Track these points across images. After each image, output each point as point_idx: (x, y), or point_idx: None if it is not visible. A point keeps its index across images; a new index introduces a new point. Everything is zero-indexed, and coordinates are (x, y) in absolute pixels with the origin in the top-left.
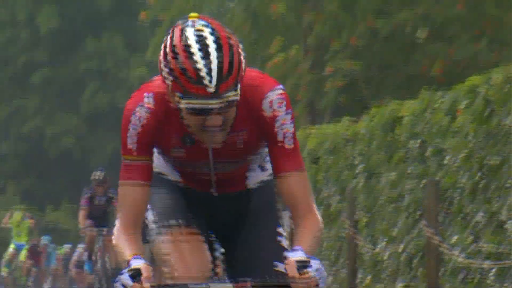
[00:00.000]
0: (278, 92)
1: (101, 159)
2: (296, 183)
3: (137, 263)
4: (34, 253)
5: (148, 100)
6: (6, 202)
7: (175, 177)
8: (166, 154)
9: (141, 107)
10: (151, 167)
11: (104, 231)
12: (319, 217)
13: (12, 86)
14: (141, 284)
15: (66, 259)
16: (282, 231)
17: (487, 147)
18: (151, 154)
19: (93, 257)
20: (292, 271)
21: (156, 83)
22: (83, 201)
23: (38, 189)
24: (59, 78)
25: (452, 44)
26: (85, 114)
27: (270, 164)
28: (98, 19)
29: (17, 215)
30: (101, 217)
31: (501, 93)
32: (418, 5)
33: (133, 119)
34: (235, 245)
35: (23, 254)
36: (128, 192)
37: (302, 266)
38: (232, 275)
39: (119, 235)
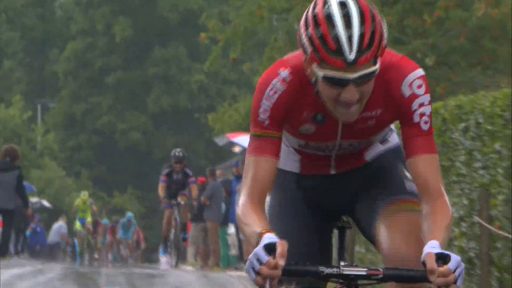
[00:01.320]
0: (419, 73)
1: (163, 153)
2: (429, 166)
3: (273, 239)
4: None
5: (283, 74)
6: (80, 186)
7: (293, 168)
8: (295, 131)
9: (276, 81)
10: (280, 145)
11: (181, 202)
12: (449, 204)
13: (89, 86)
14: (276, 260)
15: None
16: (408, 175)
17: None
18: (281, 131)
19: (168, 242)
20: (431, 263)
21: (292, 58)
22: (162, 177)
23: (107, 176)
24: (130, 80)
25: (454, 70)
26: (151, 113)
27: (394, 136)
28: (165, 31)
29: (83, 197)
30: (178, 191)
31: (453, 115)
32: (428, 37)
33: (267, 93)
34: (363, 207)
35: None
36: (257, 168)
37: (442, 260)
38: (367, 233)
39: (246, 209)
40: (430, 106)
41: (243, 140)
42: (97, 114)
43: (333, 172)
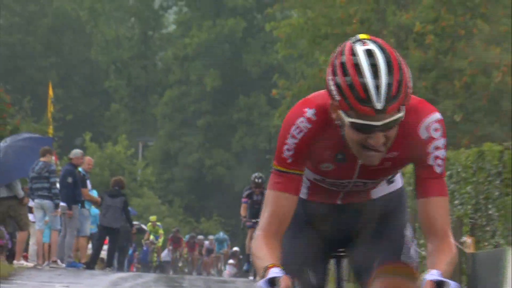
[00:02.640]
0: (436, 117)
1: (244, 185)
2: (439, 208)
3: (277, 273)
4: (189, 245)
5: (309, 113)
6: (172, 213)
7: (301, 194)
8: (315, 167)
9: (302, 120)
10: (302, 181)
11: None
12: (454, 244)
13: (183, 127)
14: None
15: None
16: (409, 232)
17: None
18: (303, 168)
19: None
20: None
21: (317, 98)
22: (243, 199)
23: (196, 204)
24: (217, 123)
25: (477, 125)
26: (234, 151)
27: (398, 178)
28: (248, 82)
29: (151, 220)
30: (259, 210)
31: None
32: (456, 98)
33: (293, 131)
34: (361, 249)
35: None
36: (277, 202)
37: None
38: (359, 276)
39: (261, 242)
40: (445, 150)
41: None
42: (188, 151)
43: (339, 202)
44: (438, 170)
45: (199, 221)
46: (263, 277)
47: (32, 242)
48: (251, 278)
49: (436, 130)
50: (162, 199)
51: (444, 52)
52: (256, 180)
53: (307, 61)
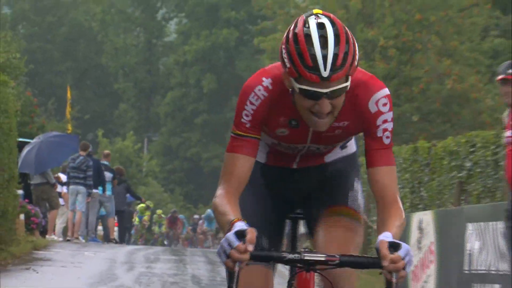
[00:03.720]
0: (385, 93)
1: None
2: (387, 176)
3: (243, 226)
4: (172, 222)
5: (266, 83)
6: (173, 200)
7: (260, 158)
8: (270, 132)
9: (259, 88)
10: (258, 145)
11: None
12: (402, 209)
13: (183, 125)
14: (245, 245)
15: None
16: (357, 185)
17: None
18: (260, 133)
19: None
20: (384, 250)
21: (273, 69)
22: None
23: (194, 192)
24: (213, 121)
25: (432, 125)
26: None
27: (352, 143)
28: (240, 84)
29: (141, 206)
30: None
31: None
32: (414, 102)
33: (251, 98)
34: (313, 204)
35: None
36: (236, 164)
37: (394, 248)
38: (311, 227)
39: (222, 200)
40: (392, 123)
41: None
42: (188, 146)
43: (294, 166)
44: (386, 141)
45: (197, 207)
46: (229, 230)
47: (59, 222)
48: None
49: (384, 104)
50: (165, 188)
51: (404, 63)
52: None
53: None
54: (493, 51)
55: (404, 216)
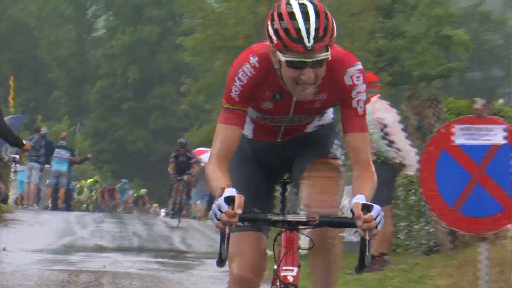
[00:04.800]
0: (359, 67)
1: (158, 156)
2: (362, 142)
3: (232, 192)
4: (110, 192)
5: (253, 60)
6: (102, 177)
7: (247, 133)
8: (256, 106)
9: (247, 66)
10: (246, 117)
11: (185, 177)
12: (374, 172)
13: (111, 111)
14: (234, 210)
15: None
16: (337, 142)
17: None
18: (247, 106)
19: (176, 205)
20: (358, 211)
21: (261, 48)
22: (171, 159)
23: (121, 170)
24: (137, 108)
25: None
26: (151, 130)
27: (330, 112)
28: (162, 75)
29: (91, 180)
30: (183, 169)
31: None
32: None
33: (239, 75)
34: (298, 162)
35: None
36: (225, 134)
37: (367, 209)
38: (295, 183)
39: (214, 167)
40: (365, 93)
41: (206, 157)
42: (115, 129)
43: (278, 140)
44: (360, 110)
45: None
46: (220, 196)
47: (12, 192)
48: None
49: (358, 78)
50: (95, 166)
51: None
52: (181, 141)
53: (207, 66)
54: (378, 50)
55: (375, 178)
